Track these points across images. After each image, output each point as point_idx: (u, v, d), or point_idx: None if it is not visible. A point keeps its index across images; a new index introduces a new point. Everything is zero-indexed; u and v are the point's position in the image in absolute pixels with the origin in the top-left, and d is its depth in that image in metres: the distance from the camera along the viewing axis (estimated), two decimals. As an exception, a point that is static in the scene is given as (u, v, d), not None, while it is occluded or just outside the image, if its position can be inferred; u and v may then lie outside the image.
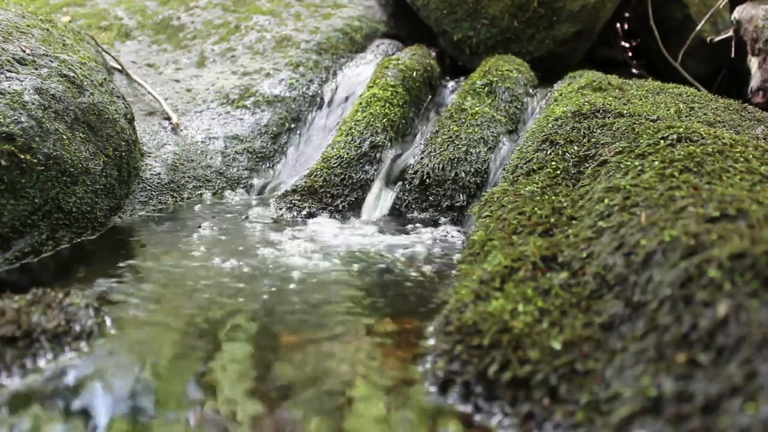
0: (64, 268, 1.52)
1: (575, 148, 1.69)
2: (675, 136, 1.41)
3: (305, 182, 2.15)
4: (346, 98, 2.77)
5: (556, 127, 1.84)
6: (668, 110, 1.93)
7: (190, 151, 2.38)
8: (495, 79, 2.52)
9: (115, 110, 1.97)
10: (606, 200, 1.24)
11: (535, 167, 1.68)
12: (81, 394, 0.91)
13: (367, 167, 2.22)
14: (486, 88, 2.47)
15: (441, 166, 2.11)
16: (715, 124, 1.87)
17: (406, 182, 2.13)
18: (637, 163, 1.34)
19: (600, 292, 1.02)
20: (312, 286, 1.40)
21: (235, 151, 2.48)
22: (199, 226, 1.70)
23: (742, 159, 1.26)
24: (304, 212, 2.05)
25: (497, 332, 0.98)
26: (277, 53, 3.02)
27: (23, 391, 0.91)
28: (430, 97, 2.77)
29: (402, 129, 2.46)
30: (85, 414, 0.87)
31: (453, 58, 3.21)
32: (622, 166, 1.37)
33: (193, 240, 1.73)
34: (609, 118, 1.80)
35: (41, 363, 0.98)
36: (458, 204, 2.06)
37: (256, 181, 2.44)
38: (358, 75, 2.85)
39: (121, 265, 1.51)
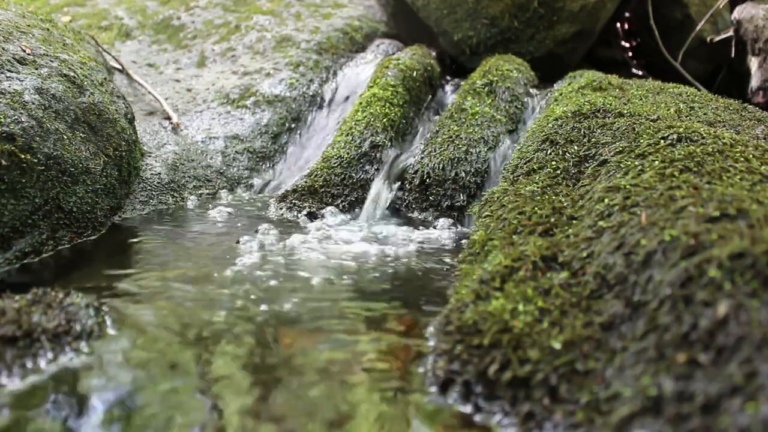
0: (64, 268, 1.52)
1: (575, 147, 1.69)
2: (675, 136, 1.41)
3: (305, 182, 2.15)
4: (347, 98, 2.77)
5: (556, 126, 1.84)
6: (668, 110, 1.93)
7: (191, 150, 2.38)
8: (495, 78, 2.52)
9: (116, 110, 1.97)
10: (606, 200, 1.24)
11: (535, 167, 1.68)
12: (81, 395, 0.91)
13: (367, 167, 2.23)
14: (486, 88, 2.47)
15: (441, 165, 2.11)
16: (715, 124, 1.87)
17: (406, 182, 2.13)
18: (637, 163, 1.34)
19: (600, 291, 1.02)
20: (311, 287, 1.40)
21: (236, 151, 2.48)
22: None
23: (742, 159, 1.26)
24: (304, 212, 2.04)
25: (497, 332, 0.98)
26: (278, 53, 3.02)
27: (23, 391, 0.91)
28: (430, 97, 2.77)
29: (402, 129, 2.46)
30: (85, 414, 0.87)
31: (453, 58, 3.21)
32: (622, 165, 1.37)
33: (192, 239, 1.73)
34: (609, 117, 1.80)
35: (41, 363, 0.98)
36: (458, 204, 2.06)
37: (257, 181, 2.44)
38: (358, 75, 2.85)
39: (121, 264, 1.51)
